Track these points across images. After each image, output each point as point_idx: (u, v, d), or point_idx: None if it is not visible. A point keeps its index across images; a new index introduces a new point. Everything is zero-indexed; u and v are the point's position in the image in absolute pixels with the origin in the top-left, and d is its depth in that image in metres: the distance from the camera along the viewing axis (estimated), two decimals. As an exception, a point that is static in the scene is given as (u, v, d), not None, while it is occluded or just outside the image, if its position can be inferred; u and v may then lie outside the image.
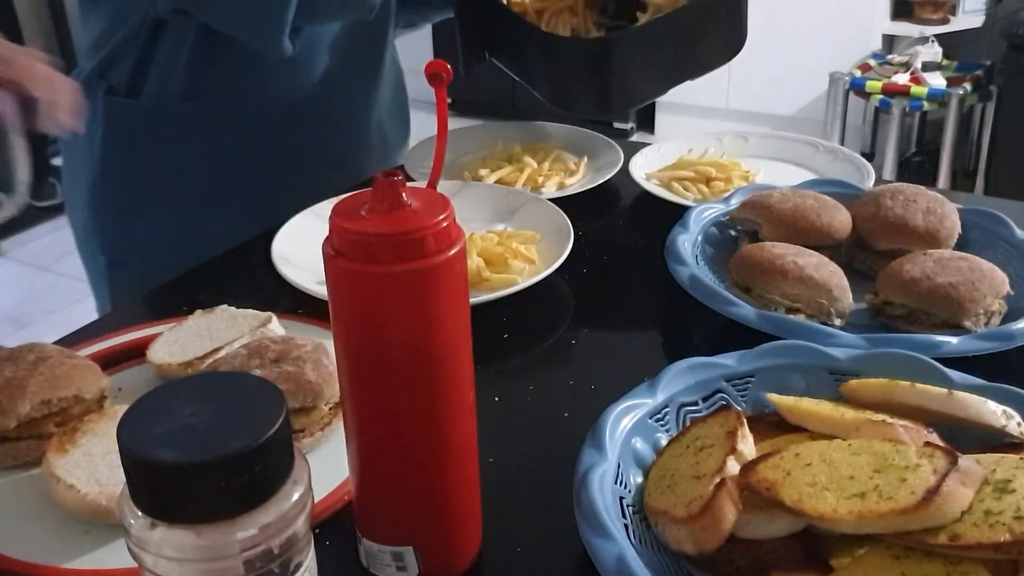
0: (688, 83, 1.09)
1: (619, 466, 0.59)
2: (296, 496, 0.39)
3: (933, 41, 3.44)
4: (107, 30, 1.06)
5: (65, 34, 3.87)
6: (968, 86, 3.26)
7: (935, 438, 0.58)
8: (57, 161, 1.17)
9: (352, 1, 1.00)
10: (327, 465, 0.64)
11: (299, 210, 1.01)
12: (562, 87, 1.10)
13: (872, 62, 3.52)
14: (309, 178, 1.14)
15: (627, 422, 0.61)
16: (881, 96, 3.35)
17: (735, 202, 0.97)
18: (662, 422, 0.64)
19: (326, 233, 0.50)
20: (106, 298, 1.15)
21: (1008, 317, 0.81)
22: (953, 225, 0.90)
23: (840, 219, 0.91)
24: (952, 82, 3.29)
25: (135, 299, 1.02)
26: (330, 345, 0.55)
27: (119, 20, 1.04)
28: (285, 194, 1.06)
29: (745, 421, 0.58)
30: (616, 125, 4.08)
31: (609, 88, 1.07)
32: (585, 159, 1.21)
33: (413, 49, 1.70)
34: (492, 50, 1.13)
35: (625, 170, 1.16)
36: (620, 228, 1.11)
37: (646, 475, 0.60)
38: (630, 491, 0.59)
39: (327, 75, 1.12)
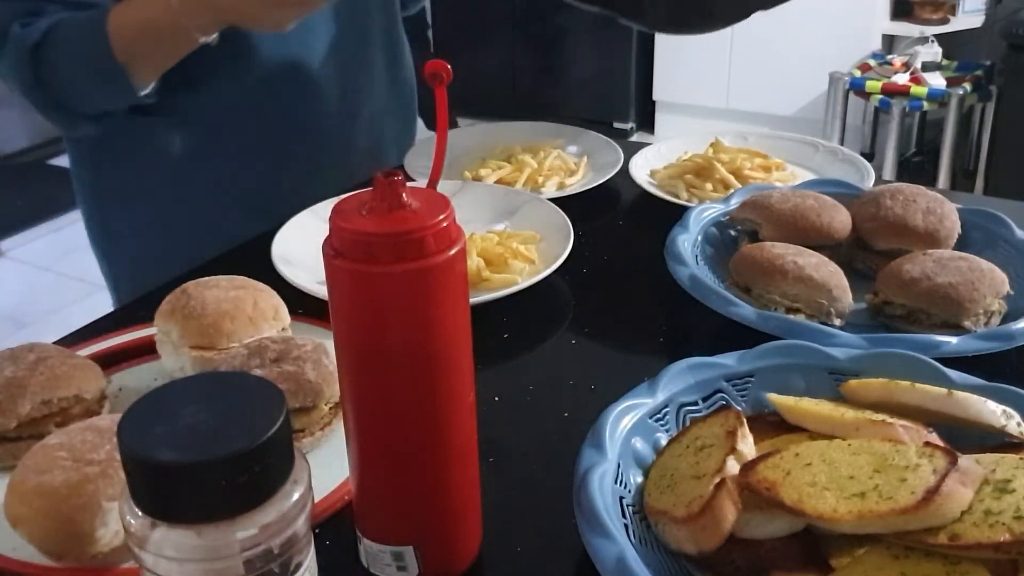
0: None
1: (619, 466, 0.59)
2: (296, 496, 0.39)
3: (933, 41, 3.44)
4: None
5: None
6: (968, 86, 3.26)
7: (935, 438, 0.58)
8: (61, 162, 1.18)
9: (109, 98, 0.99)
10: (327, 465, 0.64)
11: (297, 210, 1.01)
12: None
13: (872, 62, 3.52)
14: (297, 180, 1.14)
15: (627, 422, 0.61)
16: (881, 96, 3.35)
17: (735, 202, 0.97)
18: (662, 422, 0.64)
19: (326, 233, 0.50)
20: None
21: (1008, 317, 0.81)
22: (953, 225, 0.90)
23: (840, 219, 0.91)
24: (952, 82, 3.29)
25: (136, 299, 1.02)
26: (330, 345, 0.55)
27: None
28: (280, 194, 1.06)
29: (745, 421, 0.58)
30: (616, 125, 4.08)
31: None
32: (585, 159, 1.21)
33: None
34: None
35: (625, 170, 1.16)
36: (620, 228, 1.11)
37: (646, 475, 0.60)
38: (630, 491, 0.59)
39: (302, 77, 1.11)
